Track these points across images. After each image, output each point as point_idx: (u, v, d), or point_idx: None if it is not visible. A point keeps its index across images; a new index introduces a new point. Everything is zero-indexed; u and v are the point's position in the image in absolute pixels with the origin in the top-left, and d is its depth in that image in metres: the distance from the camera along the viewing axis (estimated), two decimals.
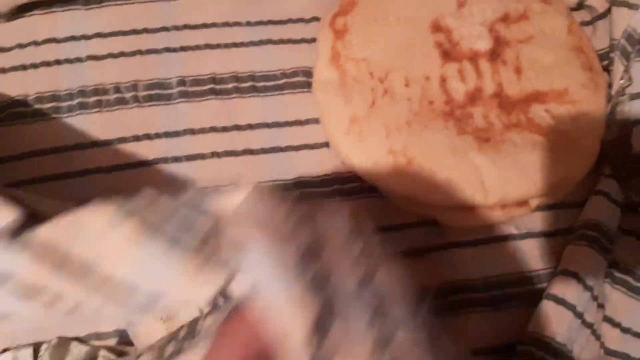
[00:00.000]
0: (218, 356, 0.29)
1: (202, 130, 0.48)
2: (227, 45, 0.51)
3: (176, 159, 0.48)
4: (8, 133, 0.47)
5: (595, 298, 0.42)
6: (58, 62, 0.50)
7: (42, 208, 0.32)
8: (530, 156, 0.44)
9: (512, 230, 0.47)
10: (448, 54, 0.47)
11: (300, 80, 0.51)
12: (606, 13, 0.49)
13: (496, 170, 0.44)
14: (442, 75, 0.47)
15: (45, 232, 0.30)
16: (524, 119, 0.45)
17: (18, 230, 0.30)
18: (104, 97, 0.49)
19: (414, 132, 0.45)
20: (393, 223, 0.47)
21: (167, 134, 0.48)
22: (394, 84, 0.47)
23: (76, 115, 0.48)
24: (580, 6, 0.50)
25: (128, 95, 0.49)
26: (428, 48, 0.48)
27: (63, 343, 0.40)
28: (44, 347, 0.40)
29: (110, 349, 0.40)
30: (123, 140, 0.48)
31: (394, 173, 0.44)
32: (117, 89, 0.49)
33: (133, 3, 0.51)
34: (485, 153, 0.44)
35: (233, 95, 0.50)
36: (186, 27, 0.52)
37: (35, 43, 0.50)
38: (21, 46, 0.50)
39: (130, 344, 0.40)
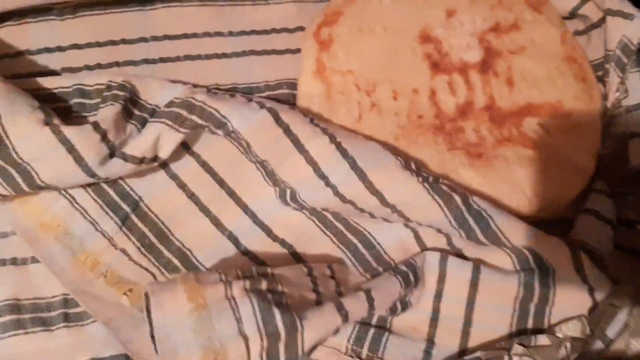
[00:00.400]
0: None
1: None
2: (208, 56, 0.49)
3: None
4: None
5: None
6: (31, 74, 0.47)
7: None
8: (523, 172, 0.42)
9: None
10: (437, 66, 0.46)
11: (284, 92, 0.49)
12: (600, 22, 0.47)
13: (488, 188, 0.42)
14: (432, 88, 0.45)
15: None
16: (517, 132, 0.44)
17: None
18: None
19: (401, 149, 0.43)
20: None
21: None
22: (381, 97, 0.45)
23: None
24: (573, 15, 0.49)
25: None
26: (416, 59, 0.46)
27: None
28: None
29: None
30: None
31: None
32: None
33: (109, 13, 0.49)
34: (476, 170, 0.42)
35: None
36: (165, 37, 0.50)
37: (9, 55, 0.48)
38: None
39: None
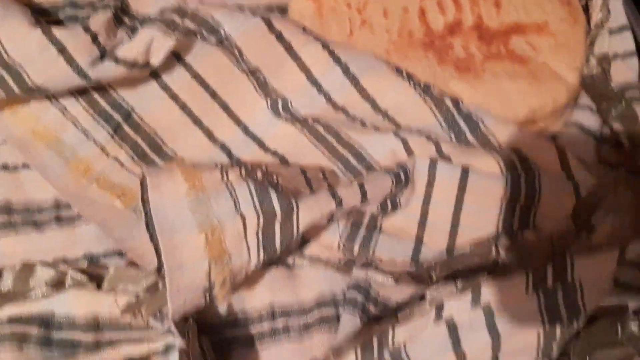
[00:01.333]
0: None
1: None
2: None
3: None
4: None
5: None
6: None
7: None
8: (511, 84, 0.43)
9: None
10: None
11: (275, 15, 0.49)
12: None
13: (477, 99, 0.43)
14: (421, 7, 0.46)
15: None
16: (504, 50, 0.45)
17: None
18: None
19: (393, 61, 0.44)
20: None
21: None
22: (372, 14, 0.45)
23: None
24: None
25: None
26: None
27: (27, 267, 0.37)
28: (6, 270, 0.38)
29: (80, 270, 0.37)
30: None
31: None
32: None
33: None
34: (466, 81, 0.43)
35: None
36: None
37: None
38: None
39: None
